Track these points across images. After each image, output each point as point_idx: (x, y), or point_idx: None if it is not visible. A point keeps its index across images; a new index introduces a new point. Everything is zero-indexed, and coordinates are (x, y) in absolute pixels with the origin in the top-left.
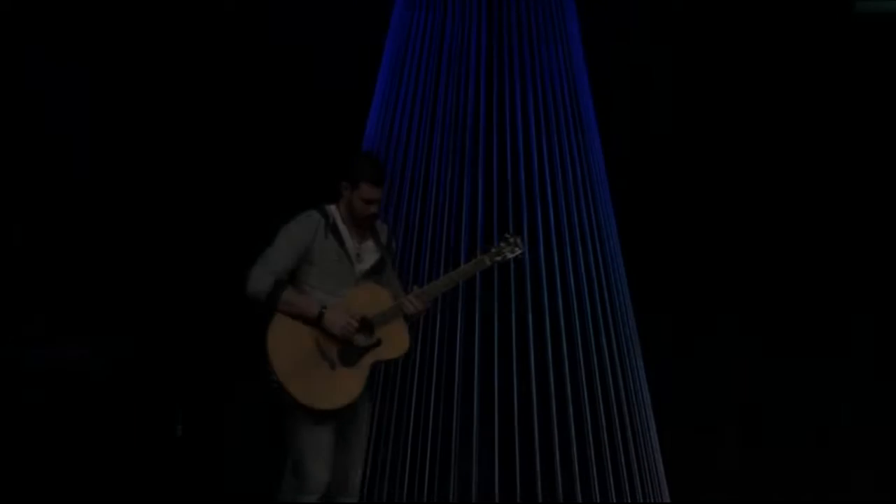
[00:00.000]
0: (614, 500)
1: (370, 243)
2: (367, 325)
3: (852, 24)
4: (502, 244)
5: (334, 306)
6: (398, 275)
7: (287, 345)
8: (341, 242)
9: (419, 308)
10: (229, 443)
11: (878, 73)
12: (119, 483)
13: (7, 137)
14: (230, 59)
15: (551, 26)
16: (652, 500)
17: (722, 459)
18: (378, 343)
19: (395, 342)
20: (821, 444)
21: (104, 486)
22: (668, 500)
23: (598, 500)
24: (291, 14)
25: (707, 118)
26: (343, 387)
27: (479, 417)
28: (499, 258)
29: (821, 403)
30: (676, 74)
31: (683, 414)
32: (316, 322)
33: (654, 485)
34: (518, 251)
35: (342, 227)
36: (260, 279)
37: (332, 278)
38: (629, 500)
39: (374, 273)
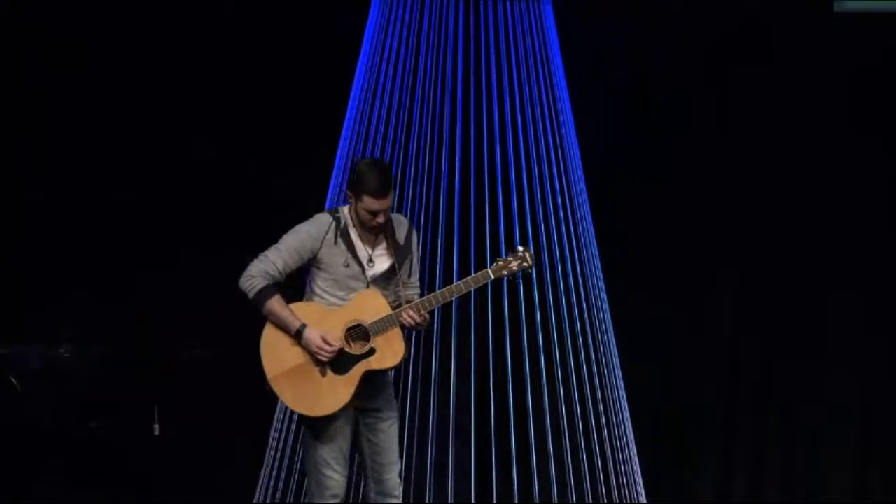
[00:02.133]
0: (590, 500)
1: (383, 247)
2: (362, 334)
3: (832, 24)
4: (509, 256)
5: (317, 323)
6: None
7: (278, 352)
8: (351, 247)
9: (417, 320)
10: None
11: (858, 72)
12: (101, 481)
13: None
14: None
15: (528, 18)
16: (629, 501)
17: (699, 458)
18: (371, 352)
19: (389, 352)
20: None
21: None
22: (644, 500)
23: (575, 500)
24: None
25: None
26: (332, 394)
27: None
28: (505, 272)
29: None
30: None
31: (659, 411)
32: (296, 338)
33: (630, 484)
34: (526, 265)
35: (353, 232)
36: (252, 277)
37: (341, 284)
38: (605, 500)
39: (386, 278)
